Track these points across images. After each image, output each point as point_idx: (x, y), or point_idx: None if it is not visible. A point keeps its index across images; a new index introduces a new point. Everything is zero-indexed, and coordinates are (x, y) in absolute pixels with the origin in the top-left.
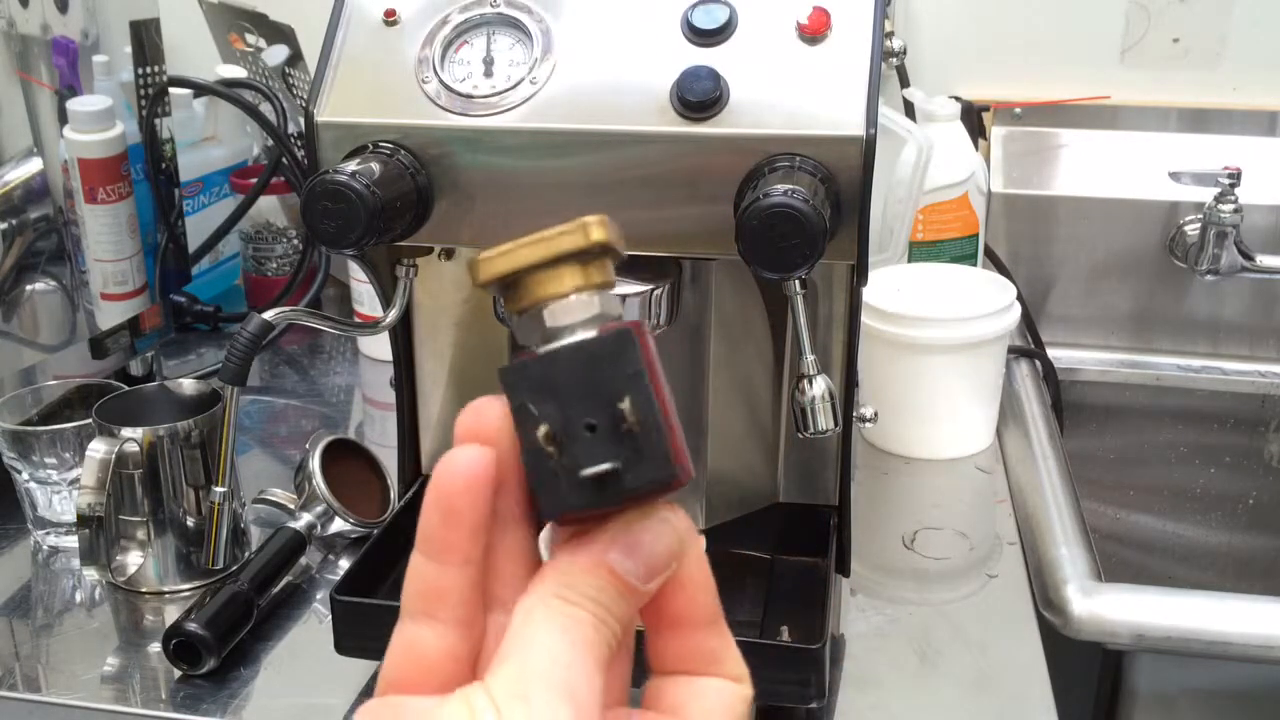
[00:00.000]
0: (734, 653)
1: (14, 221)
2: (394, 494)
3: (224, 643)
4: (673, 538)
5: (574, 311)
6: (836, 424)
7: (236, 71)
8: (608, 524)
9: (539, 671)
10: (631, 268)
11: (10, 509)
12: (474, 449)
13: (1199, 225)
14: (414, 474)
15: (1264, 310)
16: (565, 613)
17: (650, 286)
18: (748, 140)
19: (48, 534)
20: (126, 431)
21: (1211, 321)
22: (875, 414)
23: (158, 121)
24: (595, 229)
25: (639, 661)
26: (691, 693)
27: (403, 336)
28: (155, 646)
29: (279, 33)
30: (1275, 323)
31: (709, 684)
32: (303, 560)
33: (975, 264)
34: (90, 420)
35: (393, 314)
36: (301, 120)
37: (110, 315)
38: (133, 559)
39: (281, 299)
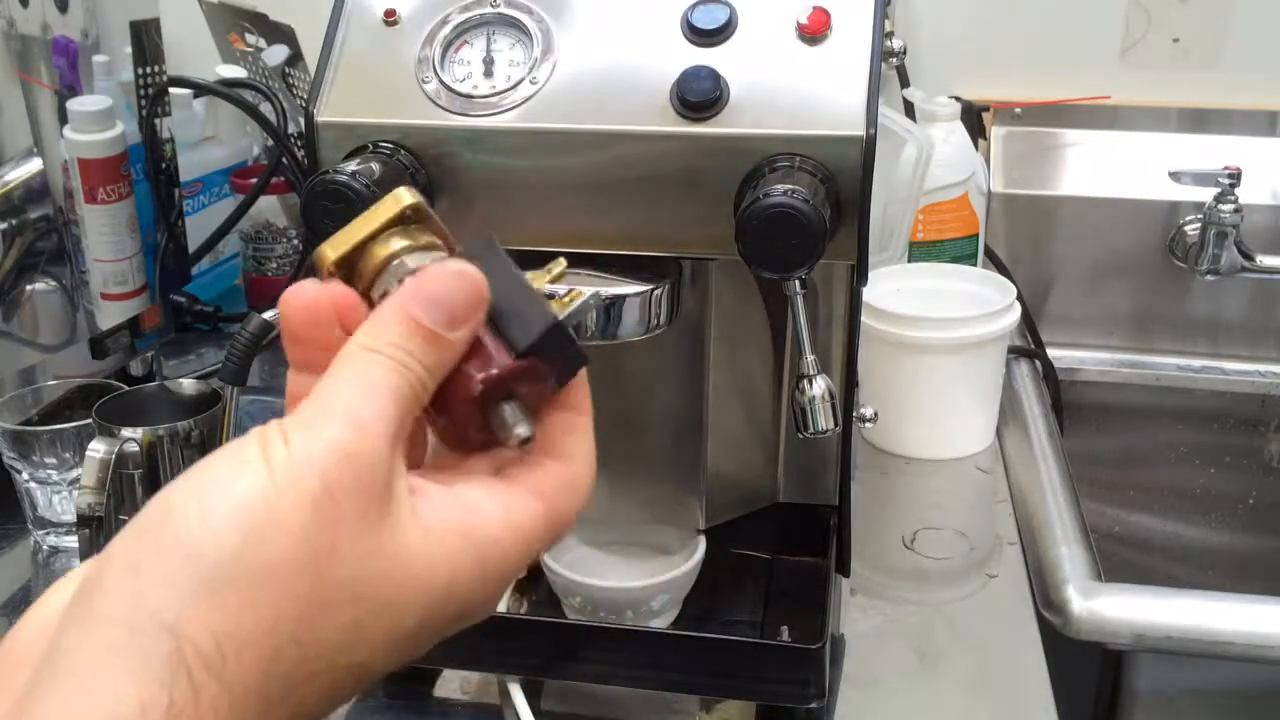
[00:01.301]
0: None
1: (14, 221)
2: None
3: None
4: (470, 288)
5: (397, 276)
6: (836, 424)
7: (236, 71)
8: (411, 278)
9: (329, 404)
10: (631, 268)
11: (10, 509)
12: (304, 286)
13: (1199, 225)
14: None
15: (1264, 310)
16: (365, 359)
17: (650, 286)
18: (748, 140)
19: (48, 534)
20: (126, 431)
21: (1211, 321)
22: (875, 414)
23: (158, 121)
24: (405, 194)
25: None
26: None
27: None
28: None
29: (279, 33)
30: (1275, 323)
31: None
32: None
33: (975, 264)
34: (90, 420)
35: None
36: (301, 120)
37: (110, 315)
38: None
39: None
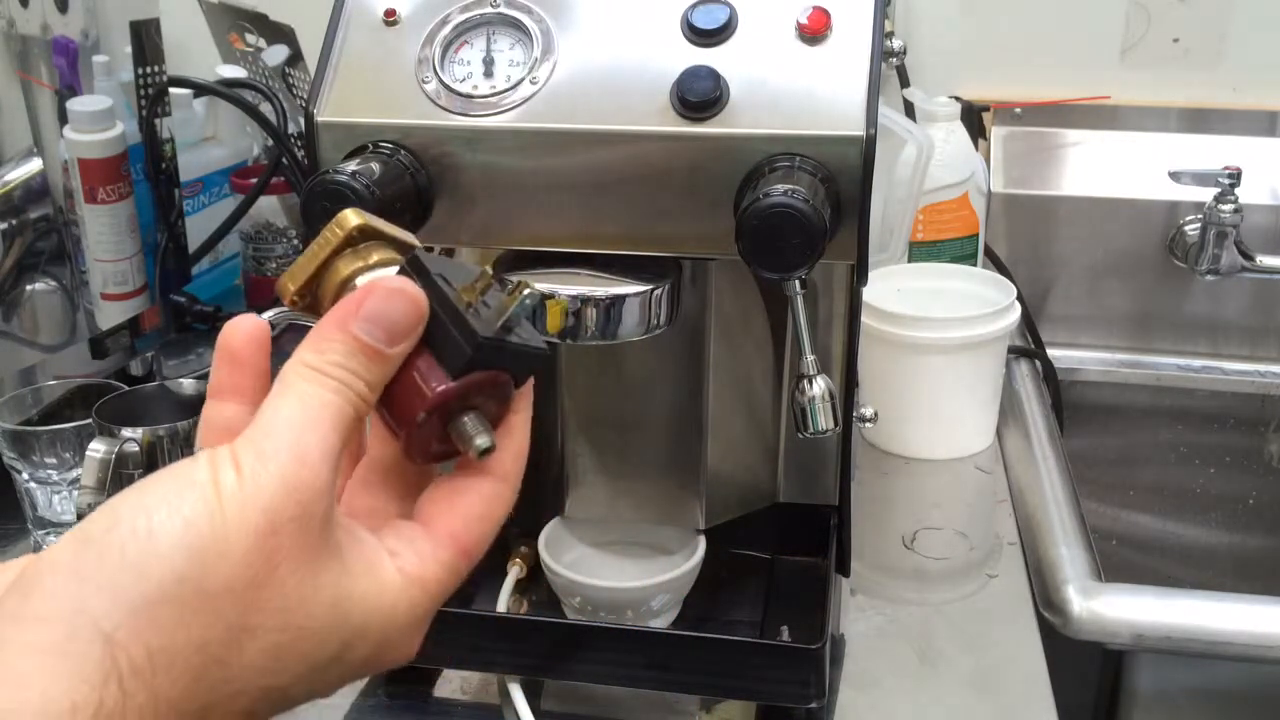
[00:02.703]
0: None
1: (14, 221)
2: None
3: None
4: (408, 304)
5: None
6: (836, 424)
7: (236, 71)
8: (352, 295)
9: (275, 430)
10: (631, 268)
11: (10, 509)
12: (250, 316)
13: (1199, 225)
14: None
15: (1264, 310)
16: (310, 378)
17: (650, 286)
18: (748, 140)
19: (48, 534)
20: (126, 431)
21: (1211, 321)
22: (875, 414)
23: (158, 121)
24: (351, 217)
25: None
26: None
27: None
28: None
29: (279, 33)
30: (1275, 323)
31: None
32: None
33: (975, 264)
34: (90, 420)
35: None
36: (301, 120)
37: (110, 315)
38: None
39: (281, 299)
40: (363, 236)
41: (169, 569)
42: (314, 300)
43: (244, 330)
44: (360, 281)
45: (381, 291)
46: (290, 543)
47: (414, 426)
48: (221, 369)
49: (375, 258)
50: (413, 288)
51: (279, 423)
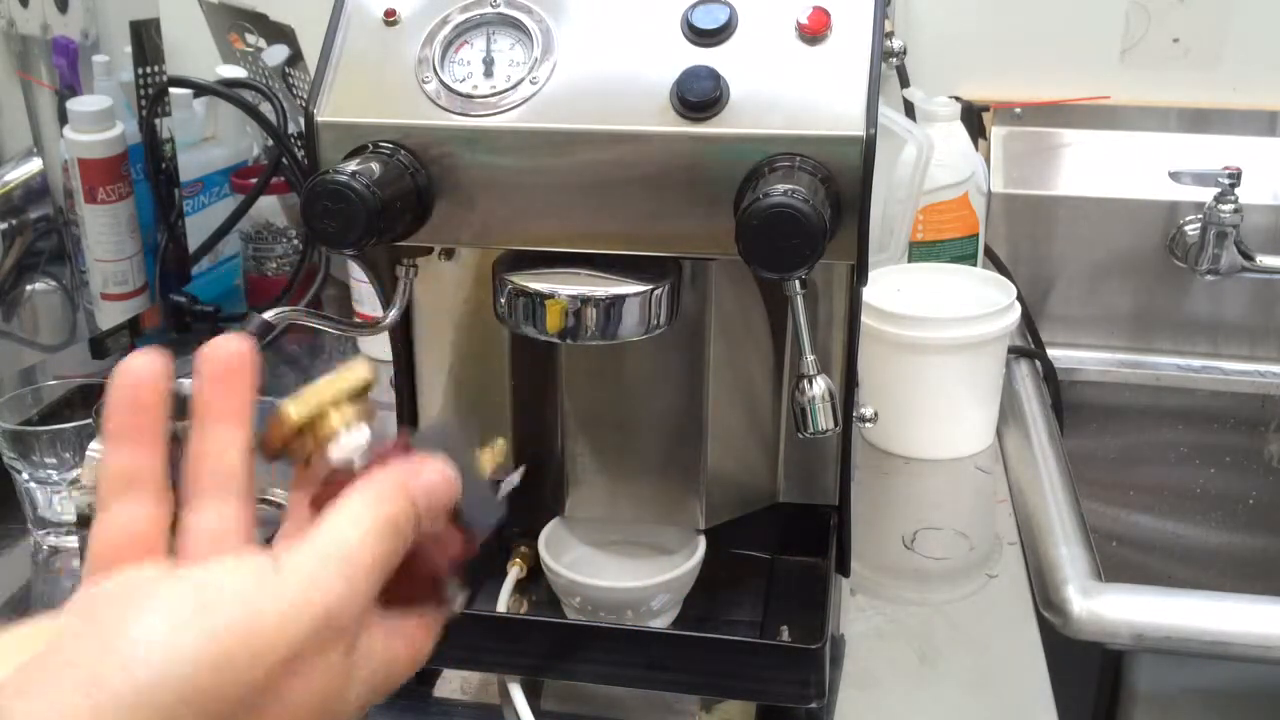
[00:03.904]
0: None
1: (14, 221)
2: None
3: None
4: (451, 493)
5: (347, 447)
6: (836, 424)
7: (236, 71)
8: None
9: (327, 544)
10: (631, 268)
11: (10, 509)
12: (147, 354)
13: (1199, 225)
14: None
15: (1264, 310)
16: (363, 512)
17: (650, 286)
18: (748, 140)
19: (48, 534)
20: None
21: (1211, 321)
22: (875, 414)
23: (158, 121)
24: (364, 369)
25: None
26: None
27: (403, 336)
28: None
29: (279, 33)
30: (1275, 323)
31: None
32: None
33: (975, 264)
34: (90, 420)
35: (393, 314)
36: (301, 120)
37: (110, 315)
38: None
39: (281, 299)
40: (365, 390)
41: (136, 681)
42: (300, 432)
43: (146, 371)
44: (343, 430)
45: (437, 474)
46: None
47: (429, 582)
48: (123, 409)
49: (367, 413)
50: (455, 478)
51: (331, 536)
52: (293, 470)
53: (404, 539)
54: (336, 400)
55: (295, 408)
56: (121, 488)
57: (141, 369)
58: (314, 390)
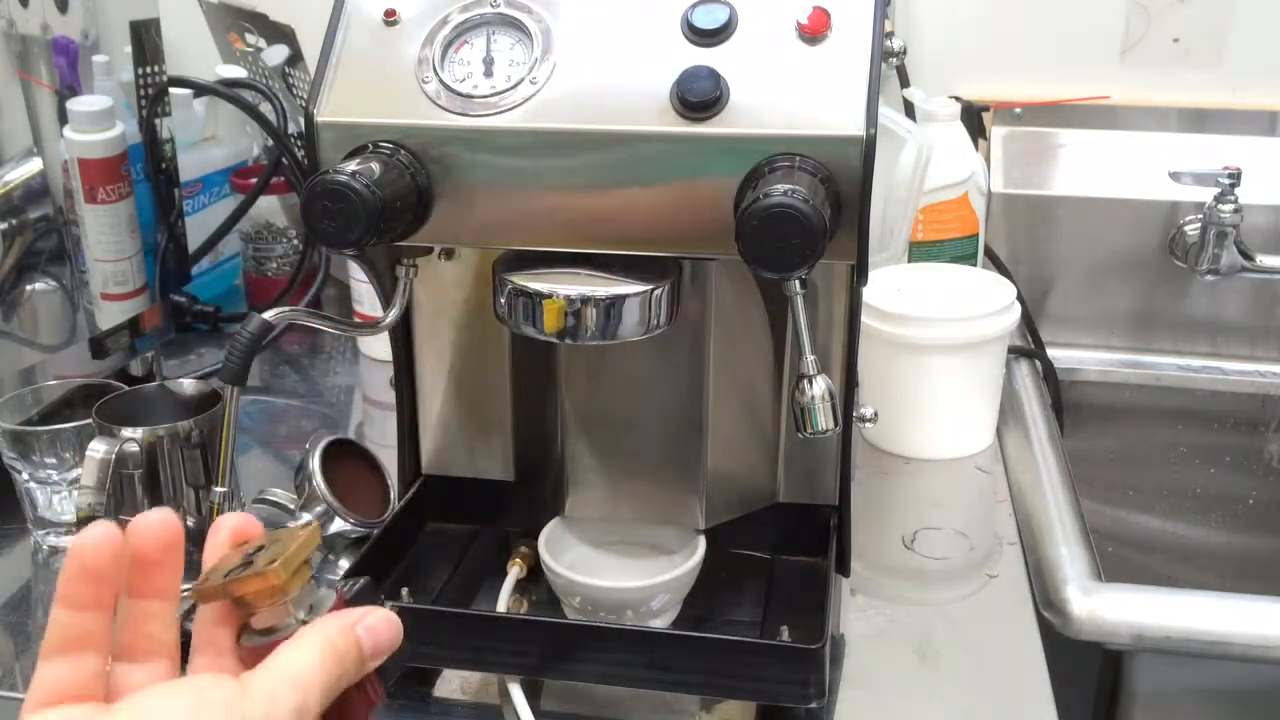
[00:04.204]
0: None
1: (14, 221)
2: (394, 494)
3: None
4: (397, 637)
5: (273, 619)
6: (836, 424)
7: (236, 71)
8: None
9: (285, 670)
10: (631, 268)
11: (10, 509)
12: (104, 527)
13: (1199, 225)
14: (414, 474)
15: (1264, 310)
16: (314, 644)
17: (650, 286)
18: (748, 140)
19: (48, 534)
20: (126, 431)
21: (1211, 321)
22: (875, 414)
23: (158, 121)
24: (318, 529)
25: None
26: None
27: (403, 336)
28: None
29: (279, 33)
30: (1275, 323)
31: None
32: None
33: (975, 264)
34: (90, 420)
35: (393, 314)
36: (301, 120)
37: (110, 315)
38: None
39: (281, 299)
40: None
41: None
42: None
43: (104, 545)
44: (307, 590)
45: (384, 620)
46: None
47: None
48: (80, 579)
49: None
50: (399, 624)
51: (288, 665)
52: (229, 612)
53: (349, 671)
54: (306, 560)
55: (284, 569)
56: (73, 645)
57: (98, 543)
58: (291, 553)
